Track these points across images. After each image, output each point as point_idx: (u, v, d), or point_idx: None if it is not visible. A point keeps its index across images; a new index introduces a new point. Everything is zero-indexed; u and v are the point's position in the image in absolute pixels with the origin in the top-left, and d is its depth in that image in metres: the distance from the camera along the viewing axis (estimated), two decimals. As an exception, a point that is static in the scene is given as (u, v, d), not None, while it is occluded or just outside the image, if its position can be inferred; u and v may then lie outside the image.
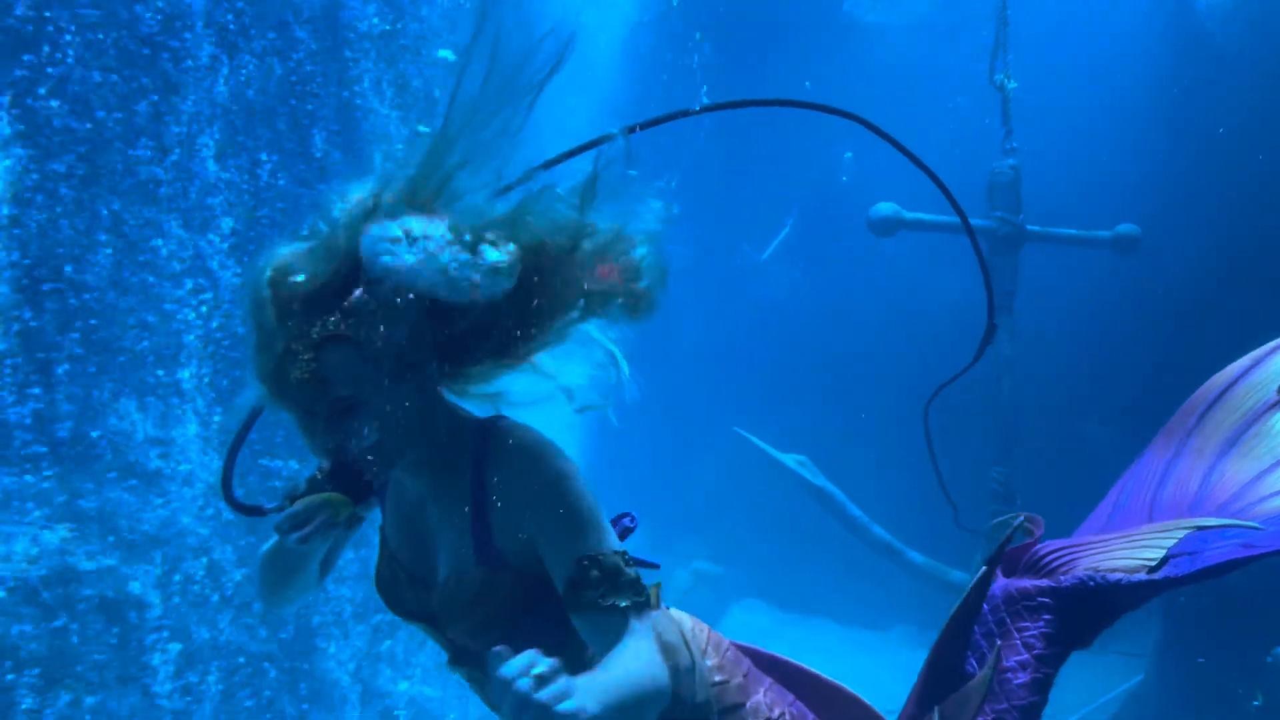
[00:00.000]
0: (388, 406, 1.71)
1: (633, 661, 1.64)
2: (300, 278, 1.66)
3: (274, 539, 1.91)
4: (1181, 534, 2.11)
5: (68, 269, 4.43)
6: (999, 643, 2.20)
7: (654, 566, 2.07)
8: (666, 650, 1.92)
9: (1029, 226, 6.71)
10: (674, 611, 2.14)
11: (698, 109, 2.19)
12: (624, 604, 1.70)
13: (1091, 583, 2.17)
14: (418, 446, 1.78)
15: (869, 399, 11.52)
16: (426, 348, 1.74)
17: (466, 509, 1.81)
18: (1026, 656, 2.18)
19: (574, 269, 1.77)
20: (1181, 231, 8.54)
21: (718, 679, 2.09)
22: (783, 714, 2.13)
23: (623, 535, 2.05)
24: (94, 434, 4.29)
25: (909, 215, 6.81)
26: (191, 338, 4.75)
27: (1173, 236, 8.40)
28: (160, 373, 4.55)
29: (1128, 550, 2.17)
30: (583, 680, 1.45)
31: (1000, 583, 2.31)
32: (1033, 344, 8.26)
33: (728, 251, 12.77)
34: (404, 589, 1.96)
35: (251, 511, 2.00)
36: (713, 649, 2.14)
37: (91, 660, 4.01)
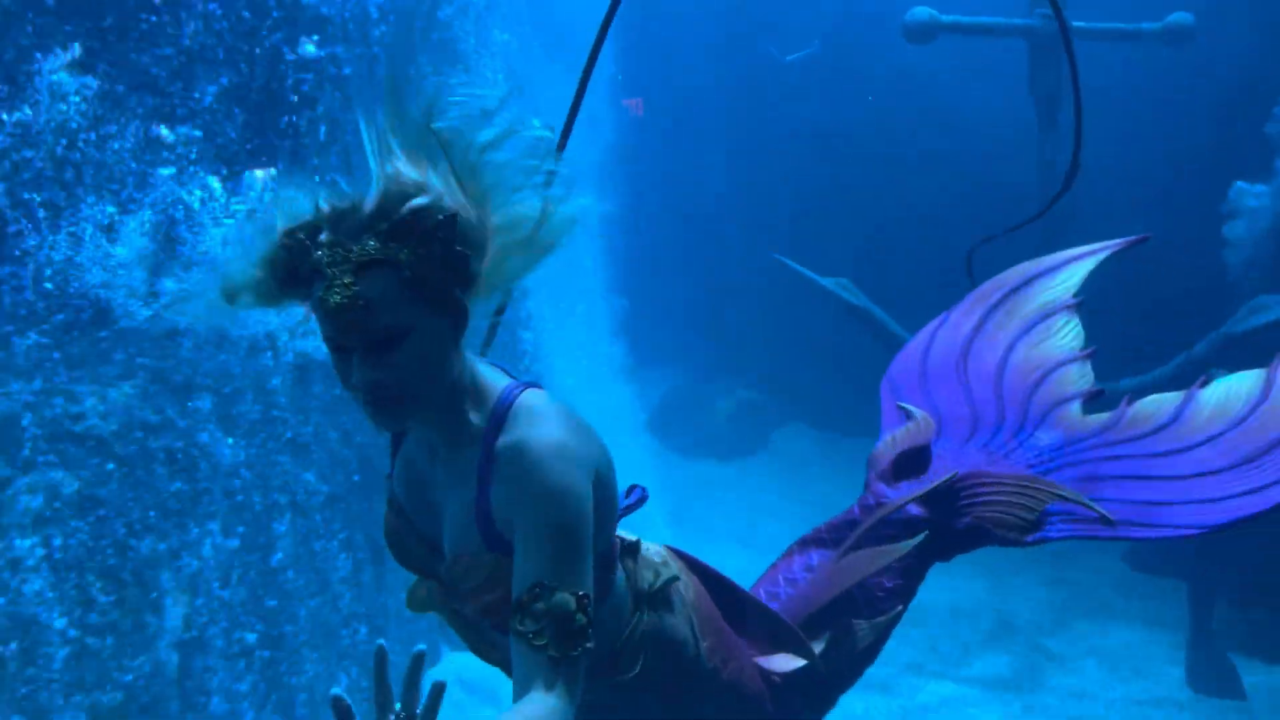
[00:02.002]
0: (426, 341, 1.64)
1: (524, 685, 1.59)
2: (341, 201, 1.63)
3: None
4: (1051, 499, 2.39)
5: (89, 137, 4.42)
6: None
7: (641, 504, 2.06)
8: (681, 647, 1.98)
9: (1074, 23, 6.42)
10: (681, 580, 2.07)
11: None
12: (553, 654, 1.59)
13: (976, 531, 2.46)
14: (442, 400, 1.72)
15: (905, 222, 11.36)
16: (463, 280, 1.66)
17: (473, 482, 1.74)
18: (898, 569, 2.45)
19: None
20: (1240, 19, 8.09)
21: (714, 663, 2.08)
22: (742, 671, 2.17)
23: (628, 510, 2.02)
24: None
25: (946, 19, 6.53)
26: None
27: (1230, 25, 7.97)
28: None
29: (1009, 500, 2.43)
30: None
31: (884, 491, 2.56)
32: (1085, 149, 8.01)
33: (753, 60, 12.35)
34: (411, 543, 1.92)
35: None
36: (708, 628, 2.10)
37: (166, 509, 4.22)
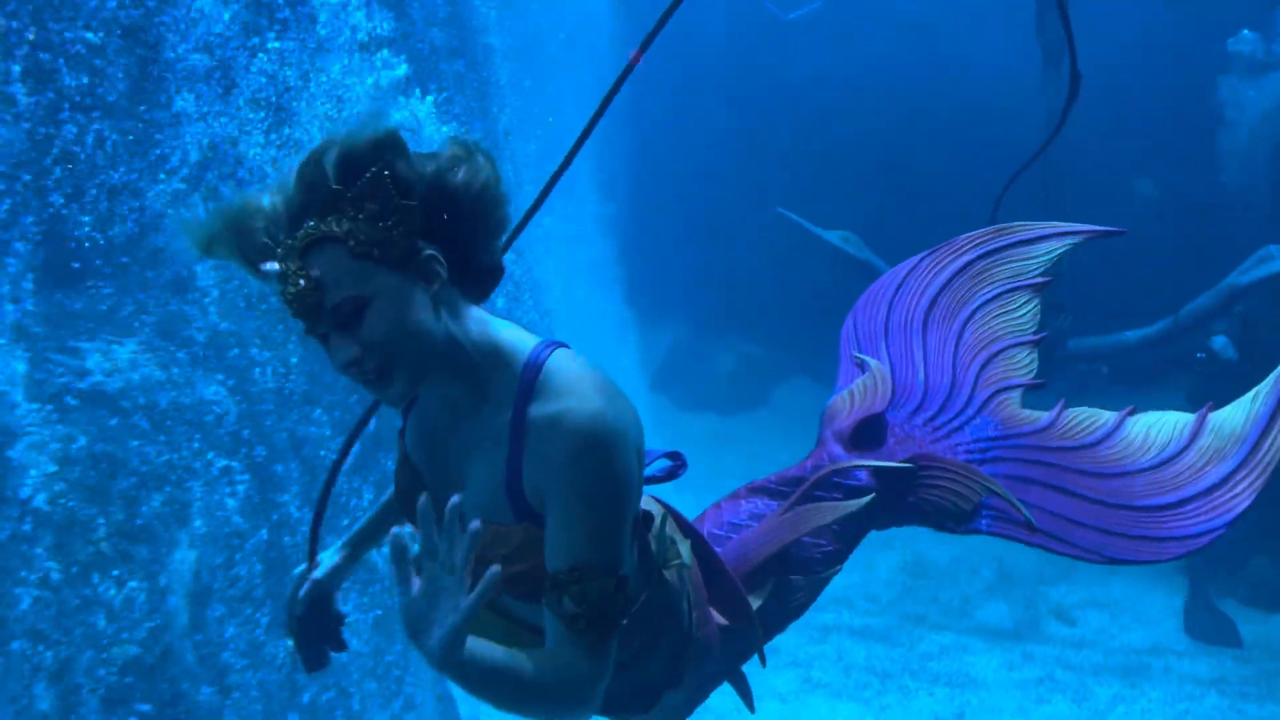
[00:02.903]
0: (392, 306, 1.57)
1: (556, 654, 1.61)
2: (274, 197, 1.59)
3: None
4: (986, 494, 2.48)
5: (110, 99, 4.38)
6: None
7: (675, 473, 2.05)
8: (677, 615, 1.96)
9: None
10: (680, 544, 2.05)
11: None
12: (585, 629, 1.59)
13: (917, 510, 2.53)
14: (440, 360, 1.65)
15: (910, 174, 11.29)
16: (415, 234, 1.58)
17: (504, 448, 1.66)
18: (836, 532, 2.46)
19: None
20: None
21: (702, 634, 2.10)
22: (710, 634, 2.18)
23: (667, 477, 2.01)
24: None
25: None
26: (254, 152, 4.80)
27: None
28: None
29: (950, 486, 2.51)
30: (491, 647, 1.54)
31: (840, 454, 2.58)
32: (1082, 95, 7.94)
33: (756, 14, 12.21)
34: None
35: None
36: (700, 597, 2.11)
37: (176, 463, 4.25)
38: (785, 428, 10.78)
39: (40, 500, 3.89)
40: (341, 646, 2.10)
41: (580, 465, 1.58)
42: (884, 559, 7.49)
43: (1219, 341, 6.68)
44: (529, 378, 1.66)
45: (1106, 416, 2.56)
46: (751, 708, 2.44)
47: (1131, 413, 2.56)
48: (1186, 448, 2.47)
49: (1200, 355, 6.49)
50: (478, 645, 1.52)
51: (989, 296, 2.78)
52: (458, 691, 5.65)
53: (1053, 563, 7.55)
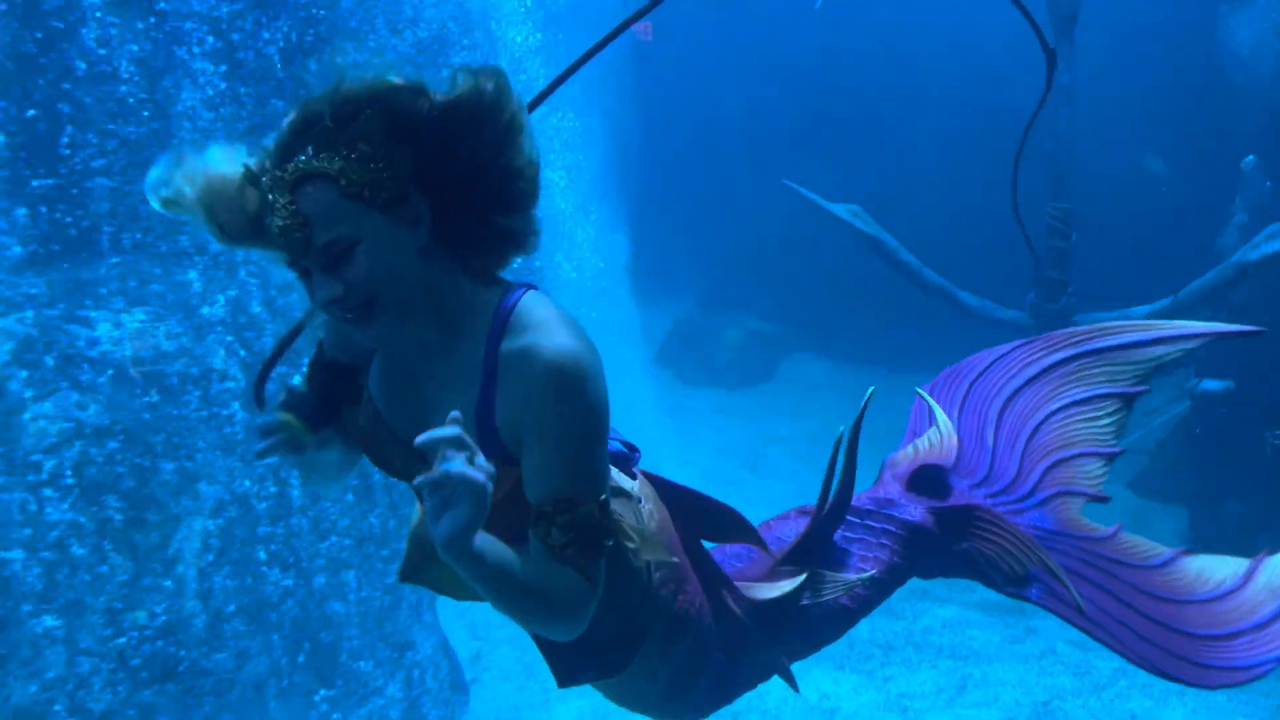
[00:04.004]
0: (379, 248, 1.59)
1: (548, 577, 1.64)
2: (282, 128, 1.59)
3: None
4: (1040, 566, 2.47)
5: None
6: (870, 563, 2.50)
7: (634, 451, 2.06)
8: (631, 574, 1.93)
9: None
10: (643, 503, 2.05)
11: None
12: (574, 556, 1.64)
13: (968, 560, 2.54)
14: (424, 307, 1.67)
15: (918, 148, 11.22)
16: (406, 179, 1.59)
17: (475, 385, 1.69)
18: (886, 558, 2.49)
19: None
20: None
21: (666, 591, 2.07)
22: (693, 604, 2.16)
23: (617, 462, 1.99)
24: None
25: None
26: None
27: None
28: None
29: (1007, 547, 2.51)
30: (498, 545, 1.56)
31: (897, 493, 2.59)
32: (1092, 72, 7.90)
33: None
34: (389, 447, 1.86)
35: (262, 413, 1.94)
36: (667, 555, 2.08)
37: (184, 430, 4.27)
38: (790, 402, 10.80)
39: (50, 467, 3.91)
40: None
41: (556, 395, 1.62)
42: (888, 533, 7.51)
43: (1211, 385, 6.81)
44: (501, 316, 1.69)
45: (1162, 549, 2.59)
46: (795, 687, 2.52)
47: (1187, 553, 2.59)
48: (1241, 587, 2.52)
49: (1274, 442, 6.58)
50: (488, 541, 1.55)
51: (1074, 399, 2.71)
52: (456, 640, 5.70)
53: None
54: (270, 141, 1.62)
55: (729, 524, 2.29)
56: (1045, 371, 2.76)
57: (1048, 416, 2.73)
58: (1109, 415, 2.68)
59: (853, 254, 8.32)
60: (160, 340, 4.27)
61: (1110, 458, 2.67)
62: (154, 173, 1.68)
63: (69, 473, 3.94)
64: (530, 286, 1.76)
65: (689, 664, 2.21)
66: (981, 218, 9.84)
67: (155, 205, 1.70)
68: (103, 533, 3.98)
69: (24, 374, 3.96)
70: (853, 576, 2.48)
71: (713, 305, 12.40)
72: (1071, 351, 2.74)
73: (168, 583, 4.11)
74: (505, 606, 1.65)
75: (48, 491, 3.90)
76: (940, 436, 2.71)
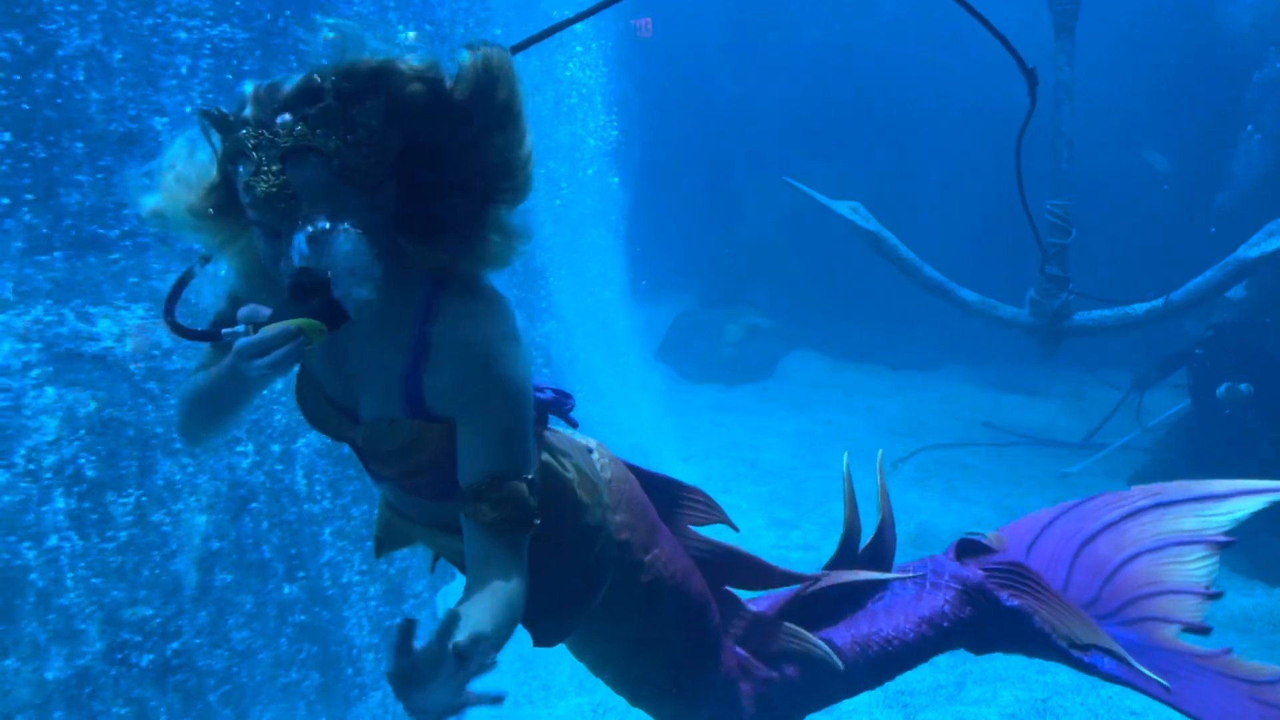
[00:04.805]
0: (360, 225, 1.61)
1: (502, 592, 1.70)
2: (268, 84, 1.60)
3: (205, 370, 1.84)
4: (1099, 651, 2.45)
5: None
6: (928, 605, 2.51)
7: (572, 425, 2.14)
8: (577, 508, 2.00)
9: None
10: (594, 453, 2.14)
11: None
12: (512, 536, 1.74)
13: (1018, 619, 2.49)
14: (373, 278, 1.68)
15: (918, 142, 11.21)
16: (389, 166, 1.63)
17: (403, 360, 1.75)
18: (940, 612, 2.49)
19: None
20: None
21: (624, 536, 2.12)
22: (675, 571, 2.22)
23: (554, 408, 2.05)
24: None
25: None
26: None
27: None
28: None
29: (1062, 614, 2.48)
30: (475, 617, 1.59)
31: (970, 565, 2.58)
32: (1093, 68, 7.89)
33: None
34: (324, 410, 1.91)
35: (202, 336, 1.76)
36: (624, 504, 2.14)
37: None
38: (790, 398, 10.80)
39: (50, 463, 3.91)
40: None
41: (481, 382, 1.71)
42: (888, 530, 7.52)
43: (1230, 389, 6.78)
44: (432, 300, 1.74)
45: (1272, 668, 2.55)
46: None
47: None
48: None
49: None
50: (467, 629, 1.57)
51: (1161, 545, 2.65)
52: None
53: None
54: (253, 91, 1.61)
55: (706, 511, 2.38)
56: (1127, 519, 2.70)
57: (1131, 558, 2.66)
58: (1199, 559, 2.59)
59: (853, 250, 8.32)
60: (161, 336, 4.27)
61: (1211, 597, 2.58)
62: (148, 200, 1.70)
63: (69, 468, 3.94)
64: (465, 274, 1.79)
65: (691, 653, 2.22)
66: (982, 214, 9.85)
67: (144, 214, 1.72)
68: (103, 529, 3.98)
69: (24, 369, 3.97)
70: (891, 673, 2.50)
71: (713, 301, 12.40)
72: (1153, 502, 2.70)
73: (168, 579, 4.11)
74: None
75: (48, 487, 3.90)
76: (997, 537, 2.70)
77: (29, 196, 4.25)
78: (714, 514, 2.40)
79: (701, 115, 12.73)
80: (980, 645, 2.60)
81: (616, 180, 10.90)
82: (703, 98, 12.67)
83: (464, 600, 1.70)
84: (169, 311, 1.82)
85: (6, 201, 4.19)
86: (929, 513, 7.59)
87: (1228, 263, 6.39)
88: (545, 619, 2.06)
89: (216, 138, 1.65)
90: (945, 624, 2.50)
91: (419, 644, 1.46)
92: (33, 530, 3.85)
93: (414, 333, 1.74)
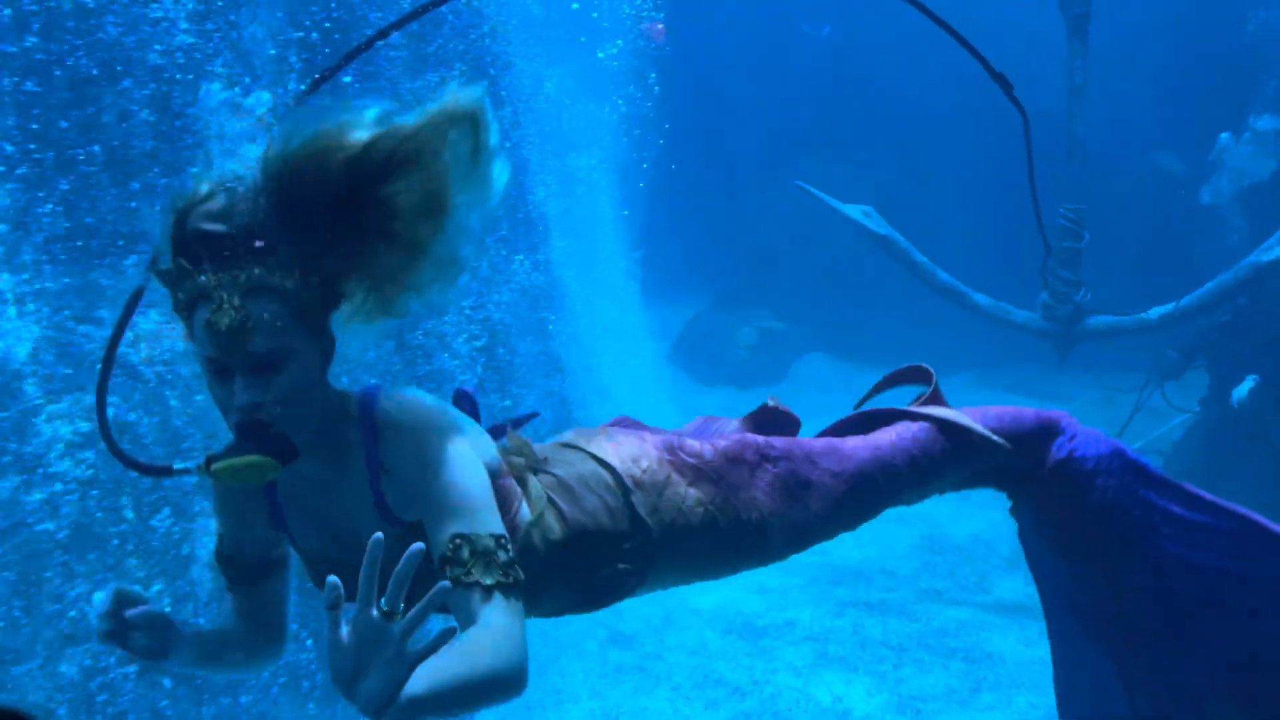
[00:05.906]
0: (304, 365, 1.72)
1: (476, 652, 1.66)
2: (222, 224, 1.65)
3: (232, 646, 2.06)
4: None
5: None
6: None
7: (534, 415, 2.25)
8: (594, 512, 2.06)
9: (1102, -59, 6.23)
10: (608, 443, 2.18)
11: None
12: (488, 582, 1.72)
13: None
14: (315, 423, 1.79)
15: (930, 147, 11.18)
16: (333, 298, 1.73)
17: (365, 485, 1.85)
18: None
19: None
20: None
21: (667, 516, 2.16)
22: (758, 498, 2.26)
23: (519, 423, 2.17)
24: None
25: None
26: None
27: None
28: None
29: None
30: (424, 665, 1.56)
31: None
32: (1105, 71, 7.86)
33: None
34: (327, 569, 1.89)
35: (155, 471, 1.92)
36: (649, 478, 2.17)
37: (198, 433, 4.29)
38: (802, 403, 10.77)
39: (65, 468, 3.94)
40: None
41: (424, 464, 1.79)
42: (901, 535, 7.49)
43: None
44: (367, 417, 1.84)
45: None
46: None
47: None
48: None
49: None
50: (415, 681, 1.56)
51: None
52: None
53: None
54: (190, 214, 1.66)
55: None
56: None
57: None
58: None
59: (866, 254, 8.30)
60: (175, 342, 4.29)
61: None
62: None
63: (83, 474, 3.96)
64: (376, 386, 1.90)
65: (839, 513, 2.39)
66: (994, 218, 9.82)
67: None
68: (117, 534, 4.00)
69: (38, 375, 3.99)
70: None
71: (726, 304, 12.40)
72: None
73: (183, 584, 4.13)
74: (462, 708, 1.65)
75: (62, 492, 3.93)
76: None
77: (48, 206, 4.28)
78: (788, 413, 2.56)
79: (716, 118, 12.75)
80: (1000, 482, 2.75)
81: (630, 186, 10.93)
82: (717, 101, 12.69)
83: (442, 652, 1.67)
84: (108, 439, 1.98)
85: (20, 206, 4.22)
86: (942, 519, 7.56)
87: (1241, 266, 6.36)
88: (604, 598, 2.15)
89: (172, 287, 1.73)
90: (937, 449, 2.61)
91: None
92: (45, 534, 3.88)
93: (364, 457, 1.83)
